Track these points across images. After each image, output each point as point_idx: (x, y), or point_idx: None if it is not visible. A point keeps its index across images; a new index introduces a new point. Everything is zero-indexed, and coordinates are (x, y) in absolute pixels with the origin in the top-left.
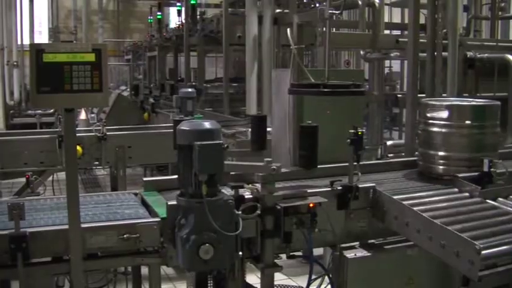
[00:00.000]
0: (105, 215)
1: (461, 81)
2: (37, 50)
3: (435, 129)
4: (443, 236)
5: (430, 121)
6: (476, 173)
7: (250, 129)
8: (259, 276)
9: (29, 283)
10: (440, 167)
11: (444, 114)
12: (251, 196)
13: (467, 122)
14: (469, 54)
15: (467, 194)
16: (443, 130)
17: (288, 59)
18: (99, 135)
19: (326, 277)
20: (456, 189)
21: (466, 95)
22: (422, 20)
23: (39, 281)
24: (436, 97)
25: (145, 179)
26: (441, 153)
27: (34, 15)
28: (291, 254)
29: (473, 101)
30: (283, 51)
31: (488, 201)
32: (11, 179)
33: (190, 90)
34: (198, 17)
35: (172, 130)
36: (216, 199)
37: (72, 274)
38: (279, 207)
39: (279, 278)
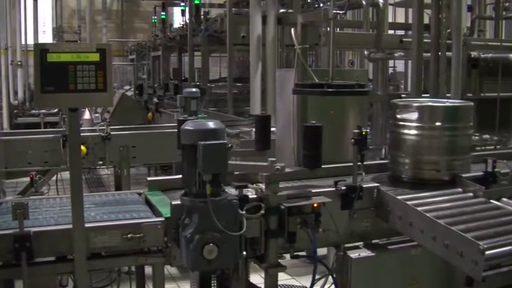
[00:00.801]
0: (108, 214)
1: (465, 81)
2: (41, 50)
3: (405, 131)
4: (447, 236)
5: (400, 123)
6: (480, 173)
7: (254, 129)
8: (263, 276)
9: (33, 282)
10: (409, 170)
11: (414, 115)
12: (255, 196)
13: (438, 123)
14: (473, 54)
15: (471, 194)
16: (413, 132)
17: (292, 59)
18: (103, 134)
19: (330, 277)
20: (460, 189)
21: (470, 95)
22: (426, 20)
23: (43, 280)
24: (440, 97)
25: (149, 178)
26: (410, 157)
27: (38, 15)
28: (295, 254)
29: (446, 101)
30: (287, 51)
31: (492, 201)
32: (15, 178)
33: (194, 90)
34: (202, 16)
35: (176, 130)
36: (220, 199)
37: (76, 273)
38: (283, 207)
39: (282, 278)
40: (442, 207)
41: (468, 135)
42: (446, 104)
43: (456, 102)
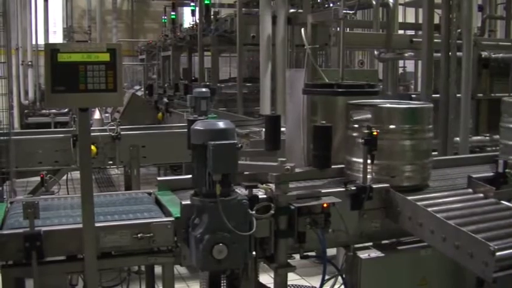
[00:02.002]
0: (119, 214)
1: (476, 81)
2: (52, 50)
3: (357, 133)
4: (457, 237)
5: (352, 125)
6: (491, 174)
7: (264, 129)
8: (273, 276)
9: (43, 281)
10: (361, 175)
11: (368, 117)
12: (265, 196)
13: (392, 126)
14: (484, 54)
15: (481, 195)
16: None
17: (301, 59)
18: (113, 134)
19: (339, 277)
20: (470, 190)
21: (481, 95)
22: (436, 20)
23: (53, 279)
24: (450, 98)
25: (159, 178)
26: (362, 161)
27: (48, 15)
28: (304, 254)
29: (402, 103)
30: (297, 51)
31: (503, 202)
32: (25, 177)
33: (204, 90)
34: (212, 16)
35: (186, 130)
36: (229, 199)
37: (86, 273)
38: (292, 207)
39: (292, 278)
40: (452, 207)
41: (426, 139)
42: (401, 106)
43: (414, 104)
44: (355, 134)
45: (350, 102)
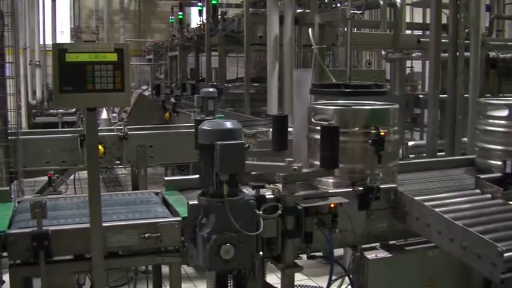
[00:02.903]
0: (126, 214)
1: (484, 81)
2: (60, 50)
3: (317, 136)
4: (465, 237)
5: (314, 127)
6: (499, 174)
7: (271, 129)
8: (280, 276)
9: (51, 281)
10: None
11: (329, 118)
12: (272, 196)
13: (355, 128)
14: (492, 54)
15: (489, 196)
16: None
17: (309, 59)
18: (120, 134)
19: (346, 278)
20: (478, 191)
21: (488, 95)
22: (444, 20)
23: (60, 278)
24: (458, 98)
25: (166, 178)
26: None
27: (56, 15)
28: (312, 254)
29: (364, 103)
30: (304, 51)
31: (510, 202)
32: (33, 177)
33: (211, 90)
34: (219, 17)
35: (193, 130)
36: (237, 199)
37: (93, 272)
38: (300, 208)
39: (299, 278)
40: (460, 208)
41: (392, 141)
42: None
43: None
44: (317, 137)
45: (312, 104)
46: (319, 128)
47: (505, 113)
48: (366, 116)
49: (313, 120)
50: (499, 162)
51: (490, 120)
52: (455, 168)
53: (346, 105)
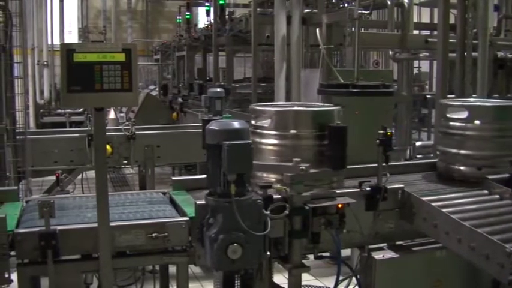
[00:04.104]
0: (133, 213)
1: (492, 81)
2: (68, 50)
3: (259, 139)
4: (473, 238)
5: (255, 130)
6: (507, 175)
7: None
8: (287, 276)
9: (58, 280)
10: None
11: (267, 122)
12: (279, 196)
13: (296, 130)
14: (500, 54)
15: (497, 196)
16: (270, 141)
17: (316, 59)
18: (128, 134)
19: (353, 278)
20: (486, 191)
21: (496, 95)
22: (452, 20)
23: (68, 278)
24: (466, 98)
25: (173, 178)
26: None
27: (64, 16)
28: (319, 254)
29: (314, 104)
30: (311, 51)
31: None
32: (41, 177)
33: (218, 90)
34: (226, 17)
35: (201, 130)
36: (244, 199)
37: (101, 272)
38: (307, 208)
39: (306, 278)
40: (468, 209)
41: None
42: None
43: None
44: (257, 140)
45: (253, 107)
46: (260, 131)
47: (464, 115)
48: (308, 118)
49: (253, 122)
50: (462, 168)
51: (451, 123)
52: (414, 173)
53: (287, 107)
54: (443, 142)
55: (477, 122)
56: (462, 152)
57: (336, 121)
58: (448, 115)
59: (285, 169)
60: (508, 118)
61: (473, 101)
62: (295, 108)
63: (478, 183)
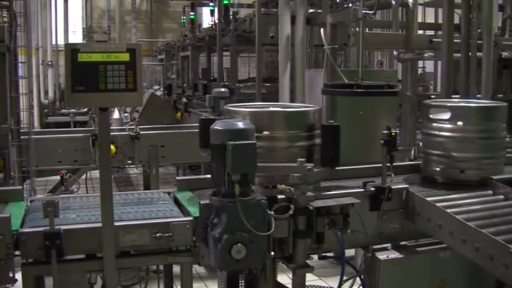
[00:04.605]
0: (137, 213)
1: (496, 82)
2: (72, 50)
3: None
4: (477, 239)
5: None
6: (511, 175)
7: None
8: (291, 276)
9: (63, 279)
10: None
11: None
12: (284, 196)
13: (265, 132)
14: (504, 54)
15: (502, 197)
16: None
17: (320, 59)
18: (132, 134)
19: (357, 278)
20: (490, 192)
21: (501, 96)
22: (456, 20)
23: (72, 277)
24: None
25: (178, 178)
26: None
27: (68, 16)
28: (323, 254)
29: (290, 105)
30: (316, 51)
31: None
32: (45, 176)
33: (223, 89)
34: (230, 17)
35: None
36: (248, 199)
37: (105, 271)
38: (311, 208)
39: (310, 278)
40: (472, 209)
41: (299, 147)
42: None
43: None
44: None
45: (227, 107)
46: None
47: (447, 115)
48: (282, 119)
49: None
50: (444, 170)
51: (433, 124)
52: (397, 176)
53: (262, 107)
54: (425, 143)
55: (460, 123)
56: (444, 153)
57: (312, 122)
58: (430, 116)
59: (290, 170)
60: (491, 119)
61: (457, 101)
62: (270, 109)
63: (461, 186)
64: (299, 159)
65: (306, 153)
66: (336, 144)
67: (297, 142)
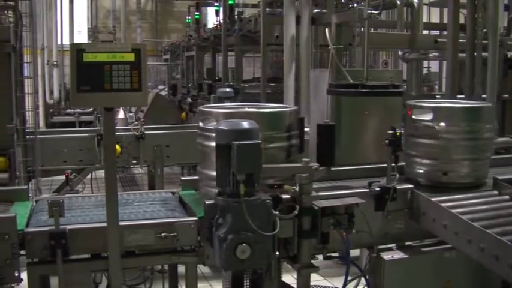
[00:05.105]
0: (142, 213)
1: (501, 82)
2: (77, 50)
3: (208, 143)
4: (483, 239)
5: (204, 133)
6: None
7: None
8: (296, 276)
9: (68, 279)
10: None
11: (213, 124)
12: (288, 196)
13: None
14: (510, 54)
15: (507, 197)
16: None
17: (325, 59)
18: (137, 134)
19: (362, 278)
20: (496, 192)
21: (506, 96)
22: (461, 20)
23: (77, 277)
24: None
25: (183, 178)
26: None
27: (74, 16)
28: (328, 254)
29: (265, 106)
30: (320, 51)
31: None
32: (50, 176)
33: (228, 90)
34: (235, 17)
35: None
36: (253, 199)
37: (110, 271)
38: (316, 208)
39: (315, 278)
40: (477, 209)
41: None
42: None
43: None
44: (204, 143)
45: (200, 109)
46: (207, 133)
47: (429, 116)
48: (256, 120)
49: (201, 124)
50: (427, 172)
51: (416, 124)
52: (380, 177)
53: (236, 108)
54: (408, 144)
55: (442, 124)
56: (427, 155)
57: (288, 123)
58: (413, 116)
59: (296, 170)
60: (475, 120)
61: (440, 101)
62: (245, 109)
63: (444, 189)
64: (303, 159)
65: (285, 154)
66: (331, 144)
67: (273, 143)
